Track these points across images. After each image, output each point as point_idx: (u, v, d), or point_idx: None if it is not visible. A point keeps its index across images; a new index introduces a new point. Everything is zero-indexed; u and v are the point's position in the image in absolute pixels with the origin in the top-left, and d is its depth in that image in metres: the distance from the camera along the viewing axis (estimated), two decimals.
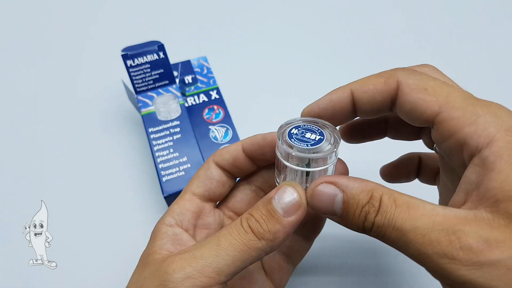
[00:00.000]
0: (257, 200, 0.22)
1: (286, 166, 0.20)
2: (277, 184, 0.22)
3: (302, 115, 0.23)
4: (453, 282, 0.15)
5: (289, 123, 0.21)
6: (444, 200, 0.25)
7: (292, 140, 0.20)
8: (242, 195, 0.26)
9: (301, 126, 0.21)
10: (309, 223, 0.26)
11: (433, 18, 0.53)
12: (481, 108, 0.17)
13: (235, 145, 0.25)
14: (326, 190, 0.19)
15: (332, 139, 0.20)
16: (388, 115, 0.25)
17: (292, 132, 0.20)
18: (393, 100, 0.20)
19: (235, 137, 0.37)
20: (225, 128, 0.38)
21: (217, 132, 0.37)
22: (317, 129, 0.21)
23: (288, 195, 0.19)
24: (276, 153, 0.21)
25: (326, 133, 0.20)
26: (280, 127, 0.21)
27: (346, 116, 0.22)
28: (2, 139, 0.42)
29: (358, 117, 0.23)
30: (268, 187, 0.26)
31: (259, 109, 0.44)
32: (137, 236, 0.35)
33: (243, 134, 0.37)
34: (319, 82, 0.46)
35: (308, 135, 0.20)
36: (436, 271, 0.16)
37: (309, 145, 0.19)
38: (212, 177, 0.25)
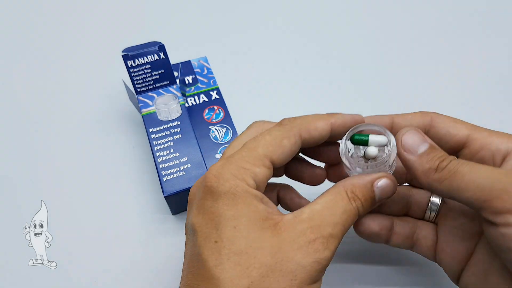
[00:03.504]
0: None
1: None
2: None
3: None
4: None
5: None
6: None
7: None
8: None
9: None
10: None
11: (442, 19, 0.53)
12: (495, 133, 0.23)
13: (324, 123, 0.24)
14: (416, 136, 0.22)
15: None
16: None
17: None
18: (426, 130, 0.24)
19: (235, 137, 0.37)
20: (225, 128, 0.38)
21: (217, 132, 0.37)
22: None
23: (388, 190, 0.23)
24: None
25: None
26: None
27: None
28: (2, 139, 0.42)
29: None
30: None
31: (259, 109, 0.44)
32: (137, 236, 0.35)
33: None
34: (319, 82, 0.46)
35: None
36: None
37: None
38: (293, 153, 0.24)
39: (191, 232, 0.22)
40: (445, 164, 0.21)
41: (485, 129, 0.23)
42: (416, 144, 0.22)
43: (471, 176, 0.20)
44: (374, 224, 0.25)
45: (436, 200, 0.26)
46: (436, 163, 0.21)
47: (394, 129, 0.25)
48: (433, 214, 0.26)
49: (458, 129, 0.23)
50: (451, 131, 0.23)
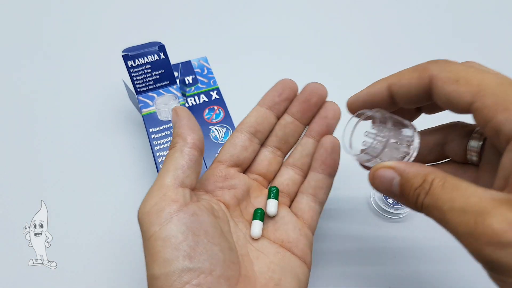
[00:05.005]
0: (276, 160, 0.30)
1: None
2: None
3: (347, 105, 0.26)
4: (482, 260, 0.16)
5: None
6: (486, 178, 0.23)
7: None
8: (262, 157, 0.29)
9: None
10: (329, 159, 0.28)
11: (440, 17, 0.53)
12: (502, 104, 0.17)
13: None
14: (386, 174, 0.21)
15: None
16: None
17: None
18: (428, 93, 0.21)
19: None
20: (225, 128, 0.38)
21: (218, 132, 0.37)
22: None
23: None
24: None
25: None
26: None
27: (386, 107, 0.24)
28: (3, 139, 0.42)
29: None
30: (283, 144, 0.30)
31: None
32: (137, 236, 0.35)
33: None
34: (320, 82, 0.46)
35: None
36: (469, 250, 0.17)
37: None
38: (235, 143, 0.28)
39: None
40: (422, 198, 0.19)
41: (494, 91, 0.18)
42: (388, 185, 0.21)
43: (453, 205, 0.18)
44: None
45: (474, 144, 0.24)
46: (414, 201, 0.20)
47: (395, 99, 0.23)
48: (474, 157, 0.24)
49: (460, 95, 0.19)
50: (452, 99, 0.20)
